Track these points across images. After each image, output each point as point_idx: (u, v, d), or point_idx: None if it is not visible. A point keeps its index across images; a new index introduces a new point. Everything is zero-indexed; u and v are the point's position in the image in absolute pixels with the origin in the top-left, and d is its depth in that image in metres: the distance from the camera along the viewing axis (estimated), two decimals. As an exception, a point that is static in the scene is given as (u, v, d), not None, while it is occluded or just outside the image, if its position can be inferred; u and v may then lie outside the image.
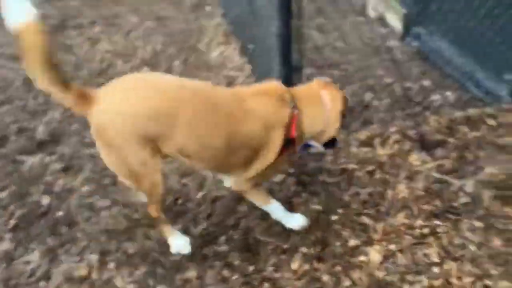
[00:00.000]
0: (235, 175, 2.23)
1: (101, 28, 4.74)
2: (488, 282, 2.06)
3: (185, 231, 2.46)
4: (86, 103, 1.87)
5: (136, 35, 4.55)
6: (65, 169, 3.01)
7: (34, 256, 2.41)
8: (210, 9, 5.07)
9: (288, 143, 2.14)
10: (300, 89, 2.26)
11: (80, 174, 2.96)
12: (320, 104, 2.21)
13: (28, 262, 2.38)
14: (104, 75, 3.86)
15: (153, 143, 1.92)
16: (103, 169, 2.96)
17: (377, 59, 3.99)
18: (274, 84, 2.20)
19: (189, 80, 2.07)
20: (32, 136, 3.34)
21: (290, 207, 2.53)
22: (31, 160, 3.11)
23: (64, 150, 3.18)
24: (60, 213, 2.67)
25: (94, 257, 2.39)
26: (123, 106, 1.87)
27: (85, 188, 2.84)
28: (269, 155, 2.12)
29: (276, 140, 2.10)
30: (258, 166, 2.16)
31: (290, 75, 2.78)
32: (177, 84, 2.00)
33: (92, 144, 3.19)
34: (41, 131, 3.37)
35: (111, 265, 2.35)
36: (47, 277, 2.31)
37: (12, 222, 2.61)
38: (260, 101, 2.09)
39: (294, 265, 2.22)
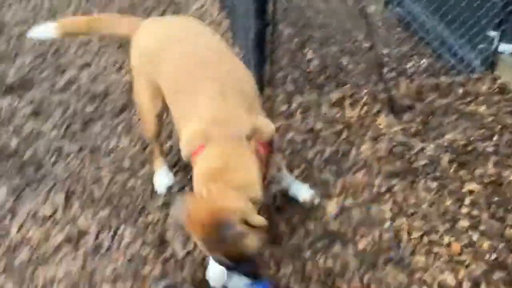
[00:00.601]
0: None
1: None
2: (434, 237, 2.16)
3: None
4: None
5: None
6: (35, 114, 3.01)
7: (1, 193, 2.45)
8: (193, -40, 4.95)
9: None
10: None
11: (50, 119, 2.96)
12: None
13: (-6, 199, 2.43)
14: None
15: (155, 86, 2.04)
16: (73, 115, 2.98)
17: (358, 23, 3.99)
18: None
19: (210, 39, 2.10)
20: (2, 79, 3.31)
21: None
22: (0, 103, 3.10)
23: (35, 95, 3.17)
24: (28, 155, 2.69)
25: (59, 198, 2.44)
26: (139, 42, 2.11)
27: (54, 133, 2.85)
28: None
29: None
30: None
31: (264, 31, 2.77)
32: (189, 37, 2.04)
33: (63, 90, 3.20)
34: (11, 75, 3.34)
35: (76, 205, 2.40)
36: (12, 213, 2.37)
37: (-21, 160, 2.64)
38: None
39: (253, 214, 2.30)
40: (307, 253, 2.15)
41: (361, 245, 2.18)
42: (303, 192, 2.33)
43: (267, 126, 1.89)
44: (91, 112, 2.99)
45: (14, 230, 2.31)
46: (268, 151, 1.87)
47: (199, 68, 1.90)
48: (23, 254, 2.21)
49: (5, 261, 2.20)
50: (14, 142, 2.78)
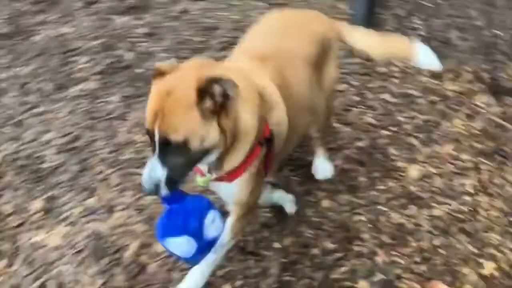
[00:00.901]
0: None
1: None
2: (513, 219, 2.17)
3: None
4: None
5: None
6: (149, 35, 3.27)
7: (114, 99, 2.76)
8: None
9: None
10: None
11: (161, 42, 3.20)
12: None
13: (108, 103, 2.74)
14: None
15: None
16: (183, 43, 3.19)
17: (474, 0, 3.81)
18: None
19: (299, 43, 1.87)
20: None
21: (345, 116, 2.67)
22: (120, 20, 3.39)
23: (150, 18, 3.42)
24: (140, 70, 2.97)
25: (163, 113, 2.69)
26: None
27: (164, 55, 3.09)
28: None
29: None
30: None
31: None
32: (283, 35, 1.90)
33: (176, 18, 3.42)
34: (130, -3, 3.61)
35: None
36: (122, 118, 2.66)
37: (100, 67, 2.95)
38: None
39: (336, 163, 2.41)
40: (383, 207, 2.24)
41: (436, 212, 2.23)
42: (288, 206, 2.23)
43: (281, 119, 1.67)
44: (199, 42, 3.19)
45: (122, 132, 2.61)
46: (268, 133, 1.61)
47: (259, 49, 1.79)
48: (128, 154, 2.50)
49: (113, 158, 2.50)
50: (128, 57, 3.07)
